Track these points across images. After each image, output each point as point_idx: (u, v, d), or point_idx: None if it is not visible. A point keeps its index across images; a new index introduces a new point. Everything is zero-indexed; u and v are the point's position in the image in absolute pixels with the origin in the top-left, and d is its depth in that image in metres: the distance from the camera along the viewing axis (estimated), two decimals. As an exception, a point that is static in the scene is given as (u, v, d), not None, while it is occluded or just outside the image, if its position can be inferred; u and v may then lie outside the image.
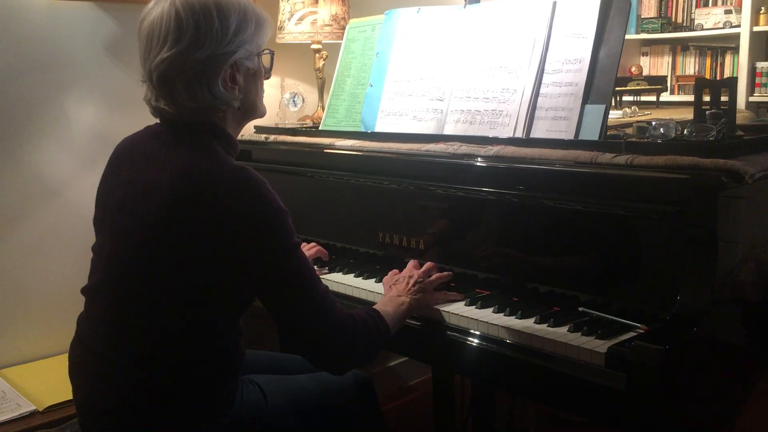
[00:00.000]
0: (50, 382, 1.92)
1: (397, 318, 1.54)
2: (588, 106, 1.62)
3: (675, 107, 3.85)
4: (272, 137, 2.24)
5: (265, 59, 1.52)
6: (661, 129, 1.52)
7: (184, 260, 1.34)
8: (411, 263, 1.73)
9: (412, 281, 1.65)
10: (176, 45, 1.35)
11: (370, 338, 1.44)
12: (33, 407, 1.81)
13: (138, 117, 1.55)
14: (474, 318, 1.52)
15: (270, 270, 1.35)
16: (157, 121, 1.48)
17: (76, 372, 1.49)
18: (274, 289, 1.37)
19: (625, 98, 2.72)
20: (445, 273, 1.70)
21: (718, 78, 4.47)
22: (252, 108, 1.51)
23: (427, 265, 1.71)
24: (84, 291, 1.50)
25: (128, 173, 1.43)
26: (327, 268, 1.95)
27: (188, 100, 1.38)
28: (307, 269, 1.39)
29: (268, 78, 1.55)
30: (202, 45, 1.36)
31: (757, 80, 4.15)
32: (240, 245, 1.32)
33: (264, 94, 1.55)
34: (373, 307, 1.53)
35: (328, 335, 1.39)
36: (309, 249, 1.95)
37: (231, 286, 1.38)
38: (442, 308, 1.59)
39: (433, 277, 1.68)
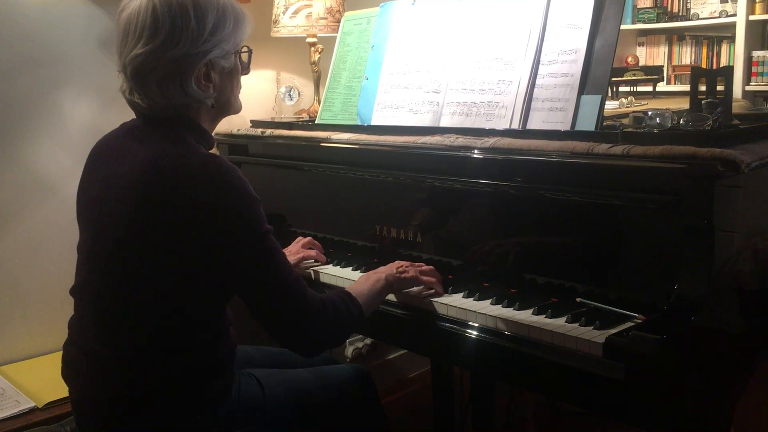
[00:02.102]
0: (49, 379, 1.92)
1: (372, 296, 1.55)
2: (584, 97, 1.62)
3: (671, 97, 3.85)
4: (268, 131, 2.23)
5: (243, 57, 1.51)
6: (658, 119, 1.52)
7: (159, 251, 1.34)
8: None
9: (397, 264, 1.66)
10: (151, 41, 1.34)
11: (341, 321, 1.46)
12: (32, 404, 1.81)
13: (132, 113, 1.55)
14: (472, 310, 1.52)
15: (241, 256, 1.35)
16: (134, 116, 1.48)
17: (69, 372, 1.49)
18: (246, 276, 1.37)
19: (622, 88, 2.72)
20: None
21: (714, 67, 4.47)
22: (226, 105, 1.50)
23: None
24: (72, 291, 1.50)
25: (103, 170, 1.44)
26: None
27: (160, 96, 1.38)
28: (278, 256, 1.39)
29: (246, 74, 1.54)
30: (177, 43, 1.35)
31: (754, 69, 4.15)
32: (210, 233, 1.32)
33: (240, 91, 1.54)
34: (347, 288, 1.54)
35: (299, 319, 1.40)
36: (304, 247, 1.94)
37: (208, 275, 1.37)
38: (440, 300, 1.59)
39: (418, 264, 1.69)
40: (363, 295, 1.52)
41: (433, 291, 1.63)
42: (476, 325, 1.51)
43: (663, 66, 4.71)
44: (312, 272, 1.89)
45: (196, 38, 1.36)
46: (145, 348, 1.38)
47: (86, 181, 1.50)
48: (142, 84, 1.38)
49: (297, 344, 1.45)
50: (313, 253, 1.92)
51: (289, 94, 2.44)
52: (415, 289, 1.66)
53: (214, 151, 1.57)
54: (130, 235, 1.35)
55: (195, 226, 1.32)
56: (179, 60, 1.36)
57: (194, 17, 1.36)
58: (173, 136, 1.39)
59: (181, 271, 1.35)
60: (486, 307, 1.53)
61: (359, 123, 2.05)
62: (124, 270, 1.37)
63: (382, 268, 1.64)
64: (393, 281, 1.60)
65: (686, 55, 4.72)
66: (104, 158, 1.46)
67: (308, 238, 1.96)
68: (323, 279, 1.86)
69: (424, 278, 1.63)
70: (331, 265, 1.92)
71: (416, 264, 1.69)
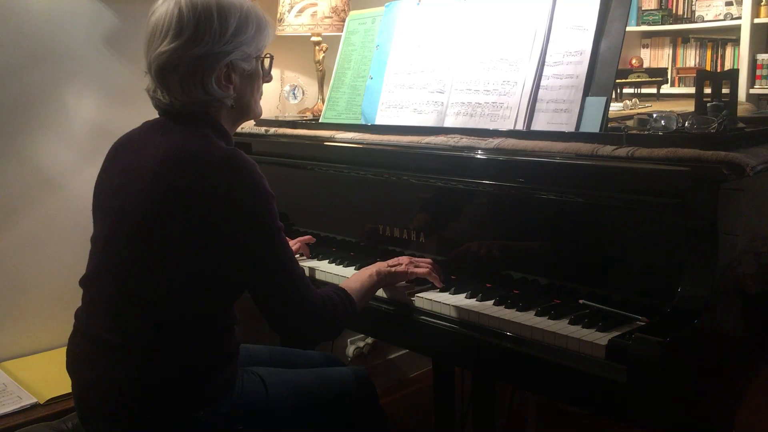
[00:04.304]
0: (51, 375, 1.92)
1: (365, 290, 1.61)
2: (589, 99, 1.62)
3: (676, 99, 3.85)
4: (272, 130, 2.23)
5: (265, 63, 1.56)
6: (662, 121, 1.51)
7: (174, 238, 1.37)
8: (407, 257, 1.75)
9: (393, 260, 1.71)
10: (175, 40, 1.41)
11: (338, 315, 1.51)
12: (34, 400, 1.82)
13: (137, 109, 1.56)
14: (475, 310, 1.52)
15: (253, 251, 1.39)
16: (156, 116, 1.52)
17: (73, 363, 1.50)
18: (256, 270, 1.42)
19: (626, 90, 2.71)
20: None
21: (718, 70, 4.46)
22: (246, 108, 1.55)
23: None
24: (82, 281, 1.52)
25: (124, 161, 1.48)
26: (327, 260, 1.95)
27: (182, 93, 1.44)
28: (287, 252, 1.44)
29: (268, 81, 1.60)
30: (200, 42, 1.41)
31: (758, 72, 4.14)
32: (227, 223, 1.36)
33: (261, 97, 1.59)
34: (341, 285, 1.60)
35: (302, 315, 1.45)
36: (293, 244, 1.98)
37: (219, 264, 1.40)
38: (442, 301, 1.59)
39: (416, 260, 1.71)
40: (356, 291, 1.59)
41: (429, 286, 1.67)
42: (479, 325, 1.51)
43: (667, 68, 4.70)
44: (308, 270, 1.90)
45: (218, 38, 1.42)
46: (152, 337, 1.40)
47: (105, 173, 1.53)
48: (165, 81, 1.44)
49: (296, 336, 1.54)
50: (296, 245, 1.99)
51: (293, 93, 2.45)
52: (403, 283, 1.69)
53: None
54: (148, 221, 1.38)
55: (212, 216, 1.36)
56: (201, 58, 1.42)
57: (217, 19, 1.42)
58: (195, 131, 1.44)
59: (193, 259, 1.38)
60: (488, 308, 1.53)
61: (363, 122, 2.05)
62: (139, 256, 1.40)
63: (374, 265, 1.69)
64: (384, 275, 1.66)
65: (690, 58, 4.71)
66: (125, 151, 1.51)
67: None
68: (326, 278, 1.86)
69: (419, 270, 1.67)
70: (333, 264, 1.92)
71: (414, 259, 1.71)
